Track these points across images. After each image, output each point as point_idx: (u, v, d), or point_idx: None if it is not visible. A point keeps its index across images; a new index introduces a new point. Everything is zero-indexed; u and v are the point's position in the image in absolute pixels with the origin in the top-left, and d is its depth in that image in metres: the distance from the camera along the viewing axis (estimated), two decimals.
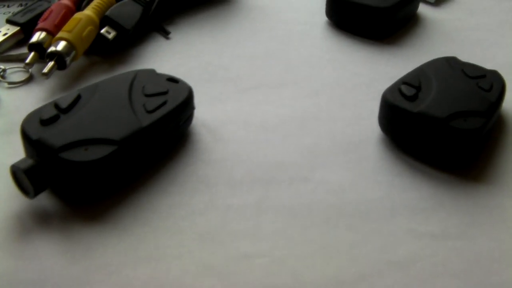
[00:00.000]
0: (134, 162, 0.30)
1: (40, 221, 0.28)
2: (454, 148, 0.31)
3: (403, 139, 0.33)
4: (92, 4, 0.40)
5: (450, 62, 0.36)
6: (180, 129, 0.32)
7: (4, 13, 0.46)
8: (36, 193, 0.27)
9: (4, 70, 0.38)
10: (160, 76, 0.34)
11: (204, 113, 0.35)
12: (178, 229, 0.27)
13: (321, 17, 0.46)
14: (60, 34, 0.37)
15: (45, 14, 0.40)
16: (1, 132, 0.33)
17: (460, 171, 0.31)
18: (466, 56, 0.38)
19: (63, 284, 0.25)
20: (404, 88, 0.33)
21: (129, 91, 0.32)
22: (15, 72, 0.38)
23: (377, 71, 0.40)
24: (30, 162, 0.27)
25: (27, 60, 0.37)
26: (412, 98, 0.32)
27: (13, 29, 0.41)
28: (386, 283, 0.25)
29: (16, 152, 0.30)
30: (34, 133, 0.28)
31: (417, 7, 0.47)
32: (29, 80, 0.38)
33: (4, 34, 0.40)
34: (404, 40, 0.44)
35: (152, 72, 0.34)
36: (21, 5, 0.47)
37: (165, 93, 0.32)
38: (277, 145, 0.33)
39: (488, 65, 0.36)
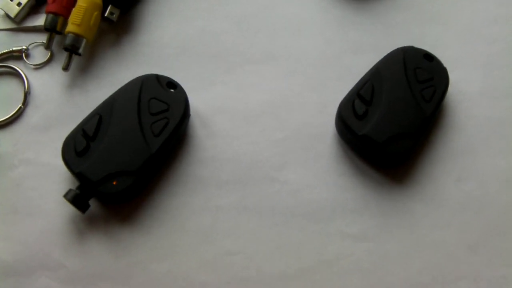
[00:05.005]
0: (150, 177, 0.41)
1: (89, 223, 0.40)
2: (389, 163, 0.41)
3: (351, 144, 0.42)
4: None
5: (406, 57, 0.42)
6: (179, 134, 0.41)
7: None
8: (83, 211, 0.39)
9: (27, 49, 0.44)
10: (161, 80, 0.41)
11: (197, 100, 0.42)
12: (184, 230, 0.40)
13: None
14: (70, 28, 0.42)
15: None
16: (40, 129, 0.42)
17: (393, 170, 0.41)
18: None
19: (112, 278, 0.39)
20: (357, 103, 0.40)
21: (138, 111, 0.40)
22: (35, 47, 0.45)
23: (348, 37, 0.45)
24: (73, 193, 0.39)
25: (46, 42, 0.43)
26: (361, 117, 0.40)
27: None
28: (316, 278, 0.39)
29: (58, 150, 0.40)
30: (74, 165, 0.39)
31: None
32: (51, 59, 0.44)
33: (18, 4, 0.45)
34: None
35: (154, 79, 0.41)
36: None
37: (166, 110, 0.40)
38: (255, 141, 0.42)
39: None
